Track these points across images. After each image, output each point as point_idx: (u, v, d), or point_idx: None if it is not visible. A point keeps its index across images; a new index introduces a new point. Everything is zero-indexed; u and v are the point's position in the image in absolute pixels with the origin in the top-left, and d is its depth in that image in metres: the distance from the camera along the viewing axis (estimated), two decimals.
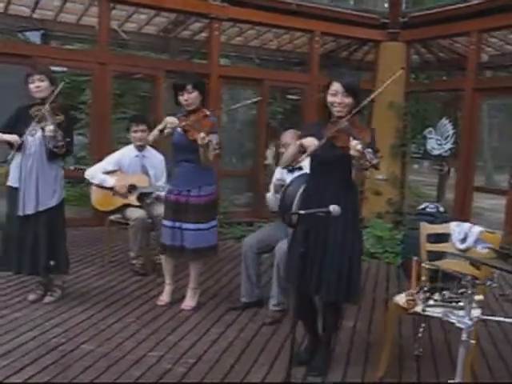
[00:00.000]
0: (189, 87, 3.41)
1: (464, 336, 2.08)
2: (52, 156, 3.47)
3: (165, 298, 3.80)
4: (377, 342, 3.13)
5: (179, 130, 3.40)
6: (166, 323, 3.44)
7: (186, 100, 3.43)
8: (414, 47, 7.27)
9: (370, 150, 2.32)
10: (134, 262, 4.43)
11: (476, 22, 6.01)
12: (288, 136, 3.70)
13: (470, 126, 6.24)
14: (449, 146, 6.49)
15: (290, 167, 3.72)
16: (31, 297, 3.69)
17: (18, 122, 3.45)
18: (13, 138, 3.39)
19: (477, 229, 2.91)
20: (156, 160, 4.64)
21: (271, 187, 3.83)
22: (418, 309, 2.66)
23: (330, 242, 2.65)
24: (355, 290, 2.70)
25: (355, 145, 2.36)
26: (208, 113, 3.49)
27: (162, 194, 4.41)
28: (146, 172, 4.55)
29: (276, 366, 2.89)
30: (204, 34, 7.44)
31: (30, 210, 3.46)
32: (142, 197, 4.45)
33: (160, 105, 6.16)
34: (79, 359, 2.85)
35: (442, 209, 4.73)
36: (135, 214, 4.31)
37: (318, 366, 2.83)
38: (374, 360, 2.95)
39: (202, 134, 3.21)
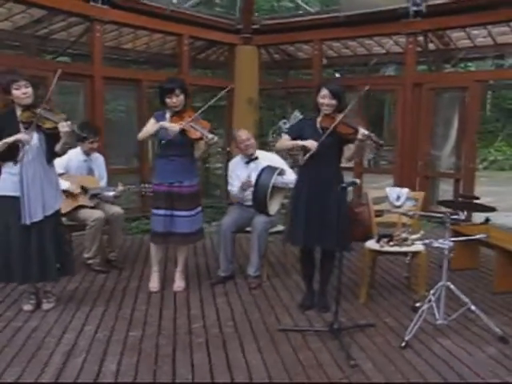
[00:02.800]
0: (177, 91, 3.87)
1: (446, 252, 3.27)
2: (51, 159, 3.55)
3: (156, 284, 4.18)
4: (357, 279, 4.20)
5: (175, 129, 3.81)
6: (173, 304, 3.89)
7: (174, 102, 3.87)
8: (266, 50, 8.47)
9: (372, 133, 3.35)
10: (90, 261, 4.58)
11: (318, 33, 7.48)
12: (244, 133, 4.48)
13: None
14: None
15: (247, 159, 4.51)
16: (27, 307, 3.68)
17: (3, 131, 3.38)
18: (22, 136, 3.35)
19: (405, 190, 4.19)
20: (99, 161, 4.82)
21: (232, 181, 4.51)
22: (388, 249, 3.83)
23: (329, 206, 3.54)
24: (348, 241, 3.69)
25: (363, 131, 3.34)
26: (193, 113, 3.97)
27: (111, 193, 4.70)
28: (92, 174, 4.71)
29: (282, 312, 3.73)
30: (64, 33, 7.38)
31: (38, 217, 3.46)
32: (93, 198, 4.61)
33: None
34: (158, 344, 3.22)
35: None
36: (94, 214, 4.46)
37: (324, 305, 3.76)
38: (357, 291, 4.02)
39: (211, 135, 3.76)
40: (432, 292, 3.37)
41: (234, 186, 4.50)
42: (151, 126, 3.95)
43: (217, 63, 9.23)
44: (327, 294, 3.84)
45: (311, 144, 3.43)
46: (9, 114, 3.47)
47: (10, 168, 3.47)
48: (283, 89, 8.46)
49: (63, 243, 3.70)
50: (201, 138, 3.85)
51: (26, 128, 3.42)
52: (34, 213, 3.46)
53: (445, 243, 3.26)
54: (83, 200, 4.55)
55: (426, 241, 3.39)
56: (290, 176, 4.38)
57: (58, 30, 7.44)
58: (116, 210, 4.66)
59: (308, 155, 3.43)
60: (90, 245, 4.52)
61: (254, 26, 7.90)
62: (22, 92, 3.39)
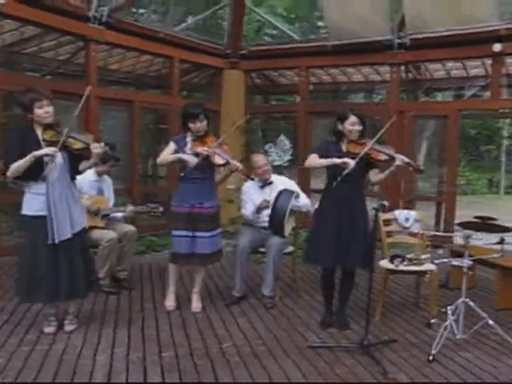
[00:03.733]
0: (201, 116, 3.97)
1: (465, 270, 3.51)
2: (75, 177, 3.56)
3: (172, 303, 4.22)
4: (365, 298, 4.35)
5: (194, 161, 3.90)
6: (195, 324, 3.92)
7: (198, 127, 3.97)
8: (255, 75, 8.69)
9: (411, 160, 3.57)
10: (101, 282, 4.52)
11: (304, 60, 7.78)
12: (261, 158, 4.63)
13: (305, 140, 7.95)
14: (287, 158, 8.06)
15: (261, 184, 4.64)
16: (49, 329, 3.61)
17: (26, 150, 3.34)
18: (50, 150, 3.33)
19: (413, 212, 4.43)
20: (108, 182, 4.81)
21: (246, 204, 4.62)
22: (403, 268, 4.03)
23: (357, 227, 3.73)
24: (372, 261, 3.86)
25: (402, 158, 3.56)
26: (214, 138, 4.08)
27: (120, 214, 4.71)
28: (101, 194, 4.70)
29: (305, 330, 3.84)
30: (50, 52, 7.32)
31: (66, 235, 3.44)
32: (103, 218, 4.59)
33: None
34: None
35: None
36: (108, 235, 4.43)
37: (345, 322, 3.91)
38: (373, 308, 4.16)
39: (235, 162, 3.88)
40: (450, 308, 3.59)
41: (247, 210, 4.59)
42: (168, 152, 4.02)
43: (202, 86, 9.35)
44: (346, 312, 3.99)
45: (349, 162, 3.59)
46: (28, 132, 3.46)
47: (35, 188, 3.43)
48: (268, 113, 8.67)
49: (90, 260, 3.69)
50: (225, 165, 3.96)
51: (47, 146, 3.41)
52: (62, 231, 3.44)
53: (464, 262, 3.50)
54: (96, 220, 4.53)
55: (445, 260, 3.61)
56: (305, 200, 4.54)
57: (46, 49, 7.37)
58: (129, 228, 4.67)
59: (345, 172, 3.57)
60: (101, 265, 4.47)
61: (242, 52, 8.13)
62: (45, 111, 3.39)
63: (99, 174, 4.68)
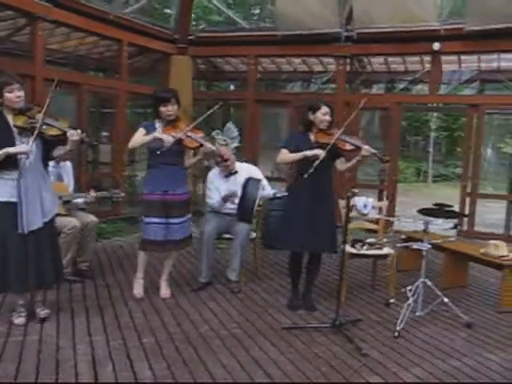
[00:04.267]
0: (173, 100, 3.96)
1: (424, 253, 3.82)
2: (47, 164, 3.45)
3: (140, 291, 4.20)
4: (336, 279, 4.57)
5: (170, 139, 3.88)
6: (167, 310, 3.95)
7: (169, 111, 3.96)
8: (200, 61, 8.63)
9: (376, 150, 3.78)
10: (64, 271, 4.41)
11: (254, 49, 7.87)
12: (227, 150, 4.69)
13: (252, 128, 8.07)
14: (235, 145, 8.15)
15: (226, 173, 4.72)
16: (19, 320, 3.49)
17: None
18: (24, 148, 3.20)
19: (370, 199, 4.69)
20: (68, 167, 4.66)
21: (211, 193, 4.67)
22: (364, 252, 4.29)
23: (325, 213, 3.92)
24: (337, 244, 4.07)
25: (368, 148, 3.75)
26: (185, 123, 4.08)
27: (81, 200, 4.61)
28: (61, 180, 4.55)
29: (275, 312, 4.01)
30: None
31: (37, 225, 3.34)
32: (66, 205, 4.46)
33: None
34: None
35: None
36: (71, 223, 4.31)
37: (311, 305, 4.10)
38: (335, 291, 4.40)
39: (209, 145, 3.90)
40: (409, 288, 3.90)
41: (212, 199, 4.65)
42: (141, 136, 3.98)
43: (147, 71, 9.16)
44: (312, 294, 4.19)
45: (319, 153, 3.74)
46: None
47: (5, 174, 3.29)
48: (216, 100, 8.66)
49: (58, 249, 3.60)
50: (198, 147, 3.98)
51: (20, 133, 3.29)
52: (31, 220, 3.33)
53: (424, 245, 3.80)
54: (58, 207, 4.38)
55: (407, 244, 3.90)
56: (268, 189, 4.69)
57: None
58: (91, 218, 4.56)
59: (316, 163, 3.72)
60: (64, 253, 4.31)
61: (190, 37, 8.07)
62: (16, 95, 3.25)
63: (57, 161, 4.52)
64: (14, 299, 3.58)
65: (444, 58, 7.44)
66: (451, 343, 3.54)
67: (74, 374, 2.88)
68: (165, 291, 4.24)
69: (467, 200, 6.97)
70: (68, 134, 3.31)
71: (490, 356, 3.35)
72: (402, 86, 9.37)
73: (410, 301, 3.76)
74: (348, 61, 7.84)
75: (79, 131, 3.37)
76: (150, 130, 4.01)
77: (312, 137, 3.95)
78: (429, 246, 3.80)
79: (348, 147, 3.86)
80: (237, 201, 4.52)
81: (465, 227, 6.91)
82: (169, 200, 4.01)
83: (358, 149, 3.84)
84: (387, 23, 6.95)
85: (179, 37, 7.99)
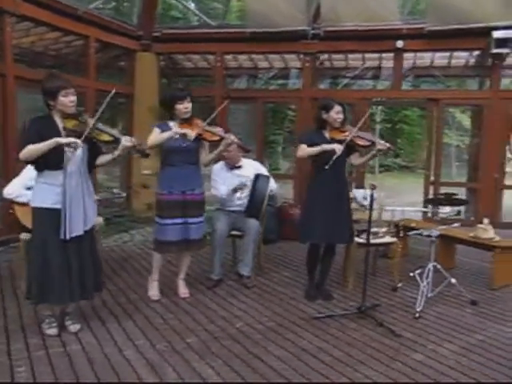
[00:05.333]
0: (189, 97, 3.97)
1: (433, 239, 4.12)
2: (91, 170, 3.37)
3: (157, 292, 4.19)
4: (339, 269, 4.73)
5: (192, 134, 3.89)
6: (195, 310, 3.97)
7: (186, 108, 3.96)
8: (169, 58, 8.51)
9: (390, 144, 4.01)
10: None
11: (222, 45, 7.90)
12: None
13: (221, 125, 8.08)
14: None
15: (230, 166, 4.77)
16: (52, 331, 3.38)
17: (44, 138, 3.08)
18: (72, 139, 3.10)
19: (368, 191, 4.94)
20: None
21: (218, 185, 4.68)
22: (373, 241, 4.54)
23: (344, 206, 4.13)
24: (353, 235, 4.29)
25: (383, 142, 3.98)
26: (199, 119, 4.09)
27: None
28: None
29: (297, 304, 4.17)
30: None
31: (78, 232, 3.24)
32: None
33: None
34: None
35: None
36: None
37: (328, 294, 4.29)
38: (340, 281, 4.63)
39: (232, 136, 3.95)
40: (418, 272, 4.21)
41: (220, 190, 4.66)
42: (158, 134, 3.95)
43: (112, 68, 8.89)
44: (326, 284, 4.39)
45: (337, 147, 3.91)
46: (47, 121, 3.20)
47: (50, 178, 3.18)
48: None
49: (98, 259, 3.50)
50: (219, 140, 4.01)
51: (69, 136, 3.19)
52: (75, 226, 3.23)
53: (433, 232, 4.11)
54: None
55: (417, 231, 4.19)
56: (273, 184, 4.80)
57: None
58: (97, 219, 4.43)
59: (335, 157, 3.89)
60: None
61: (155, 34, 7.95)
62: (70, 100, 3.17)
63: None
64: (42, 311, 3.46)
65: (384, 55, 7.91)
66: (465, 319, 3.88)
67: (136, 378, 2.87)
68: (183, 291, 4.25)
69: (431, 188, 7.50)
70: (123, 140, 3.29)
71: (503, 328, 3.72)
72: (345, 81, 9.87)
73: (425, 283, 4.05)
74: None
75: (133, 138, 3.33)
76: (163, 129, 3.99)
77: (327, 135, 4.12)
78: (437, 232, 4.11)
79: (364, 143, 4.07)
80: (245, 194, 4.59)
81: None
82: (188, 200, 4.02)
83: (373, 144, 4.06)
84: (353, 21, 7.27)
85: (143, 33, 7.86)
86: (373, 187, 3.83)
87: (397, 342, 3.44)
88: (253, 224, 4.55)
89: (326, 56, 8.83)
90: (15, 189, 4.05)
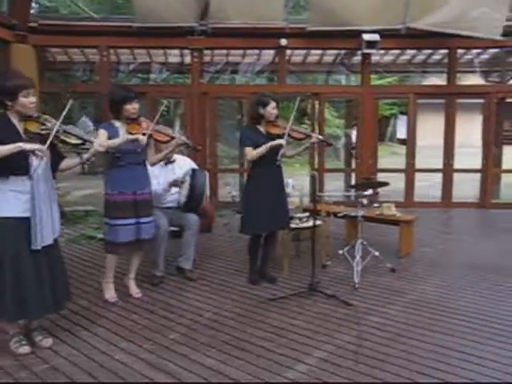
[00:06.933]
0: (136, 98, 3.93)
1: (360, 218, 4.70)
2: (54, 176, 3.16)
3: (114, 294, 4.09)
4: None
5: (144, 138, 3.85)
6: (155, 307, 3.98)
7: (134, 109, 3.92)
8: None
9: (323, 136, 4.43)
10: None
11: (107, 39, 7.62)
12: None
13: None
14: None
15: (165, 162, 4.79)
16: (23, 349, 3.13)
17: (2, 140, 2.84)
18: (38, 146, 2.88)
19: (290, 180, 5.34)
20: None
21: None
22: (302, 225, 4.98)
23: (282, 194, 4.46)
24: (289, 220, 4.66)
25: (317, 135, 4.37)
26: (146, 119, 4.06)
27: None
28: None
29: (248, 289, 4.43)
30: None
31: (49, 240, 3.05)
32: None
33: None
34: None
35: None
36: None
37: (272, 277, 4.61)
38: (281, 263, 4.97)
39: (182, 136, 4.00)
40: (346, 249, 4.77)
41: (154, 185, 4.64)
42: (103, 137, 3.84)
43: None
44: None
45: (282, 142, 4.18)
46: (4, 121, 2.95)
47: (15, 185, 2.94)
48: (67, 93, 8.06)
49: (64, 266, 3.31)
50: (169, 141, 4.03)
51: (31, 140, 2.97)
52: (46, 235, 3.04)
53: (359, 213, 4.68)
54: None
55: (345, 212, 4.72)
56: None
57: None
58: None
59: (282, 151, 4.18)
60: None
61: (31, 24, 7.34)
62: (31, 101, 2.95)
63: None
64: (10, 329, 3.18)
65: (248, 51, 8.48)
66: (393, 284, 4.54)
67: (147, 379, 2.87)
68: (136, 290, 4.21)
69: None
70: (95, 143, 3.19)
71: (425, 287, 4.45)
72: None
73: (358, 258, 4.61)
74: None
75: (105, 143, 3.31)
76: (110, 130, 3.91)
77: (262, 129, 4.39)
78: (362, 213, 4.70)
79: (299, 136, 4.43)
80: (182, 189, 4.64)
81: None
82: (139, 200, 3.98)
83: (307, 137, 4.45)
84: (240, 20, 7.61)
85: (18, 23, 7.19)
86: (313, 175, 4.24)
87: (351, 309, 3.92)
88: (193, 218, 4.65)
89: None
90: None
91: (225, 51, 9.13)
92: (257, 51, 9.15)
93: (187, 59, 9.49)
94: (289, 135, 4.37)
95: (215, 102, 8.29)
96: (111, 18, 8.00)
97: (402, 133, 22.53)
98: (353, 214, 4.71)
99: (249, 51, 9.15)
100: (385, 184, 4.72)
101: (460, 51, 8.63)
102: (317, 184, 4.20)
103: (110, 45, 7.77)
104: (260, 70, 11.08)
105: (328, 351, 3.22)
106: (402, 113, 21.47)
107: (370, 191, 4.68)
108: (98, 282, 4.44)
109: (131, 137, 3.82)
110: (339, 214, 5.08)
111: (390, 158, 16.08)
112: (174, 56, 9.79)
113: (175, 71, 11.31)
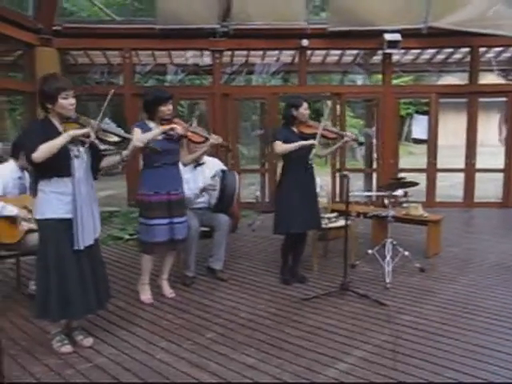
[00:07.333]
0: (171, 100, 3.98)
1: (390, 218, 4.70)
2: (96, 177, 3.21)
3: (150, 296, 4.13)
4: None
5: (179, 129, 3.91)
6: (187, 306, 4.02)
7: (169, 110, 3.97)
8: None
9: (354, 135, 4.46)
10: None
11: (129, 42, 7.70)
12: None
13: (133, 122, 7.90)
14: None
15: (195, 163, 4.83)
16: (66, 348, 3.19)
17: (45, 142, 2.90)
18: (86, 130, 2.96)
19: (318, 179, 5.34)
20: (27, 178, 4.14)
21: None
22: (332, 225, 4.99)
23: (315, 195, 4.49)
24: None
25: (350, 134, 4.39)
26: (180, 120, 4.12)
27: None
28: (24, 192, 4.06)
29: (281, 289, 4.46)
30: None
31: (90, 240, 3.11)
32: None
33: None
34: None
35: None
36: None
37: (302, 277, 4.63)
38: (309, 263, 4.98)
39: (216, 136, 4.04)
40: (376, 249, 4.77)
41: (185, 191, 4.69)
42: (139, 134, 3.88)
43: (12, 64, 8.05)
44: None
45: (312, 142, 4.20)
46: (47, 124, 3.00)
47: (56, 187, 3.00)
48: (89, 95, 8.16)
49: (105, 266, 3.36)
50: (204, 142, 4.08)
51: (71, 141, 3.02)
52: (87, 236, 3.09)
53: (390, 213, 4.68)
54: (31, 224, 3.92)
55: (375, 212, 4.72)
56: None
57: None
58: None
59: (314, 151, 4.20)
60: None
61: (56, 28, 7.43)
62: (70, 103, 3.00)
63: (22, 169, 4.03)
64: (52, 329, 3.24)
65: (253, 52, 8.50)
66: (423, 284, 4.54)
67: (192, 379, 2.90)
68: (170, 290, 4.25)
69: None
70: (134, 140, 3.28)
71: (455, 287, 4.45)
72: None
73: (388, 258, 4.61)
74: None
75: (143, 138, 3.33)
76: (144, 129, 3.95)
77: (295, 129, 4.41)
78: (393, 213, 4.70)
79: (333, 135, 4.45)
80: (215, 193, 4.68)
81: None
82: (173, 200, 4.02)
83: (340, 136, 4.47)
84: (262, 21, 7.64)
85: (43, 27, 7.30)
86: (345, 175, 4.24)
87: (384, 309, 3.93)
88: (224, 219, 4.68)
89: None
90: None
91: (245, 52, 9.14)
92: (276, 52, 9.15)
93: (203, 60, 9.60)
94: (322, 135, 4.39)
95: (237, 103, 8.32)
96: (134, 21, 8.07)
97: (417, 132, 22.49)
98: (383, 214, 4.70)
99: (268, 52, 9.15)
100: (415, 184, 4.71)
101: (481, 50, 8.56)
102: (349, 184, 4.19)
103: (133, 47, 7.84)
104: (275, 70, 11.16)
105: (366, 350, 3.24)
106: (417, 112, 21.37)
107: (400, 191, 4.68)
108: (131, 282, 4.52)
109: (167, 127, 3.86)
110: (369, 214, 5.08)
111: (406, 157, 15.97)
112: (192, 57, 9.86)
113: (191, 72, 11.39)
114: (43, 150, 2.84)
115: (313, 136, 4.31)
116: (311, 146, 4.25)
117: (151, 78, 13.09)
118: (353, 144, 4.69)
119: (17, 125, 12.20)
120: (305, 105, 4.39)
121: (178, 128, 3.89)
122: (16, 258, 4.29)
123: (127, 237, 6.24)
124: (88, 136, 2.97)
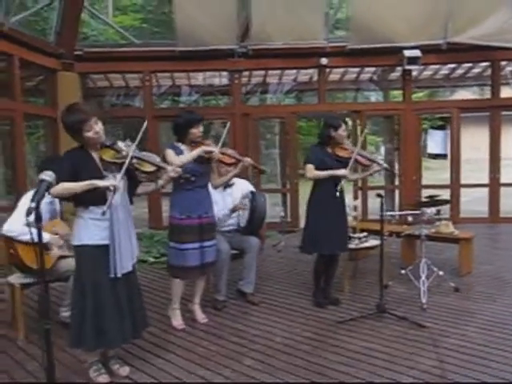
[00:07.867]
0: (202, 121, 3.95)
1: (423, 237, 4.59)
2: (132, 201, 3.16)
3: (181, 321, 4.04)
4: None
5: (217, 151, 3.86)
6: (226, 334, 3.93)
7: (200, 132, 3.94)
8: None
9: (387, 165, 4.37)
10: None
11: (149, 64, 7.75)
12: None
13: (153, 144, 7.92)
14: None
15: (226, 185, 4.77)
16: (103, 378, 3.10)
17: (80, 173, 2.87)
18: (111, 181, 2.87)
19: (354, 202, 5.28)
20: (57, 203, 4.11)
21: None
22: (362, 245, 4.89)
23: (344, 217, 4.40)
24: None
25: (382, 163, 4.31)
26: (210, 142, 4.07)
27: None
28: (55, 218, 4.02)
29: (315, 312, 4.35)
30: None
31: (128, 267, 3.05)
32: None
33: None
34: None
35: None
36: None
37: (335, 299, 4.52)
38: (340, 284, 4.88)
39: (248, 159, 4.00)
40: (409, 268, 4.65)
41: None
42: (173, 155, 3.83)
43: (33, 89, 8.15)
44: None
45: (344, 173, 4.16)
46: (83, 153, 2.96)
47: (94, 214, 2.94)
48: (110, 117, 8.21)
49: (141, 293, 3.29)
50: (236, 163, 4.03)
51: (106, 168, 2.98)
52: (125, 262, 3.03)
53: (423, 231, 4.58)
54: (63, 249, 3.88)
55: (408, 231, 4.62)
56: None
57: None
58: None
59: (343, 182, 4.16)
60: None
61: (77, 53, 7.51)
62: (95, 131, 2.90)
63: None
64: (89, 357, 3.16)
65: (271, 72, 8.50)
66: (460, 304, 4.40)
67: None
68: (202, 315, 4.16)
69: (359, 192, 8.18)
70: (169, 169, 3.17)
71: (492, 307, 4.31)
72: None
73: (423, 277, 4.49)
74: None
75: (178, 168, 3.24)
76: (178, 152, 3.91)
77: (329, 150, 4.34)
78: (426, 231, 4.59)
79: (366, 162, 4.37)
80: (245, 214, 4.61)
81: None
82: (204, 223, 3.96)
83: (372, 163, 4.39)
84: (282, 40, 7.66)
85: (65, 51, 7.38)
86: (380, 196, 4.15)
87: (425, 331, 3.80)
88: (254, 241, 4.60)
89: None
90: (17, 226, 3.62)
91: (262, 72, 9.16)
92: (294, 71, 9.15)
93: (221, 81, 9.64)
94: (356, 161, 4.31)
95: (257, 122, 8.30)
96: (152, 44, 8.13)
97: (432, 148, 22.35)
98: (417, 232, 4.60)
99: (286, 71, 9.16)
100: (447, 202, 4.61)
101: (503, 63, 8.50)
102: (384, 204, 4.10)
103: (153, 69, 7.89)
104: (290, 89, 11.19)
105: (414, 376, 3.11)
106: (432, 127, 21.26)
107: (433, 209, 4.58)
108: (161, 307, 4.44)
109: (207, 148, 3.82)
110: (402, 234, 4.98)
111: (424, 172, 15.86)
112: (208, 78, 9.91)
113: (206, 93, 11.45)
114: (61, 190, 2.76)
115: (347, 160, 4.23)
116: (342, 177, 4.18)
117: (166, 99, 13.19)
118: (380, 171, 4.58)
119: (35, 149, 12.30)
120: (343, 126, 4.32)
121: (213, 149, 3.85)
122: (45, 285, 4.22)
123: (152, 260, 6.18)
124: (113, 185, 2.83)
